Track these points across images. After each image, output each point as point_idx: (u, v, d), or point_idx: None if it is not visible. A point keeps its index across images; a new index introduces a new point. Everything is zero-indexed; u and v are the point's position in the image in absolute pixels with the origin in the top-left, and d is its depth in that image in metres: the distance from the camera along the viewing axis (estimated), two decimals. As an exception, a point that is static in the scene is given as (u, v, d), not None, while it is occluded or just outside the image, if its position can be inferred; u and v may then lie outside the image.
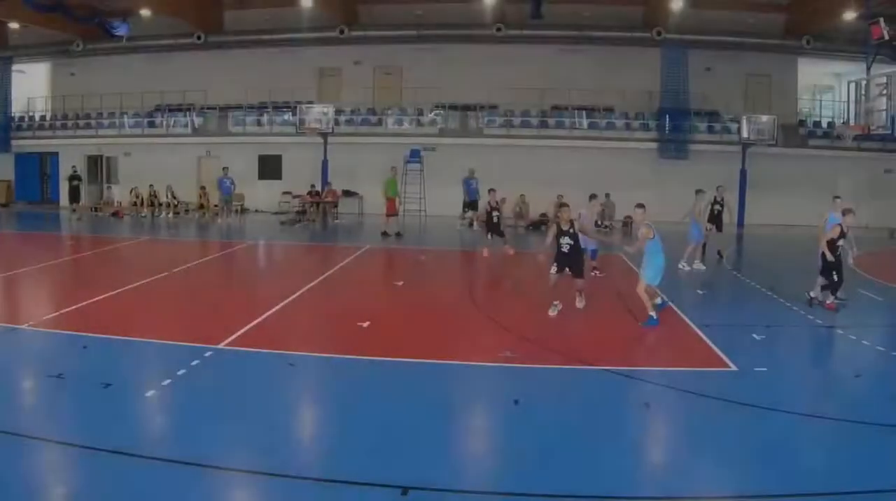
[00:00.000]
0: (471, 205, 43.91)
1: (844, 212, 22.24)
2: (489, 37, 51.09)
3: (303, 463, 11.25)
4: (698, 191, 29.59)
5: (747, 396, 14.40)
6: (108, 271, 28.49)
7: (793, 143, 51.06)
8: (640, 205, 20.43)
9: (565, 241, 20.54)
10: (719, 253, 32.64)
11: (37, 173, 58.61)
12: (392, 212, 40.74)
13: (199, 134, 53.13)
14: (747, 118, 49.01)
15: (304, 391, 15.16)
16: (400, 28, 52.17)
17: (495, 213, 31.46)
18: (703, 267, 29.38)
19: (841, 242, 21.59)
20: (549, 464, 11.20)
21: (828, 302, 21.78)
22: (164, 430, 12.66)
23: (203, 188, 49.77)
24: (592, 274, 25.00)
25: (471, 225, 43.22)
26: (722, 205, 31.68)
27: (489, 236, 31.78)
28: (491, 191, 31.61)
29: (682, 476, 11.29)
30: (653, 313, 19.75)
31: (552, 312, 20.49)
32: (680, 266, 28.72)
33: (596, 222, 40.50)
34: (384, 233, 39.34)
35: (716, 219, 31.28)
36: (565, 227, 20.44)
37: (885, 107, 36.12)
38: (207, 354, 16.24)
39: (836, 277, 21.80)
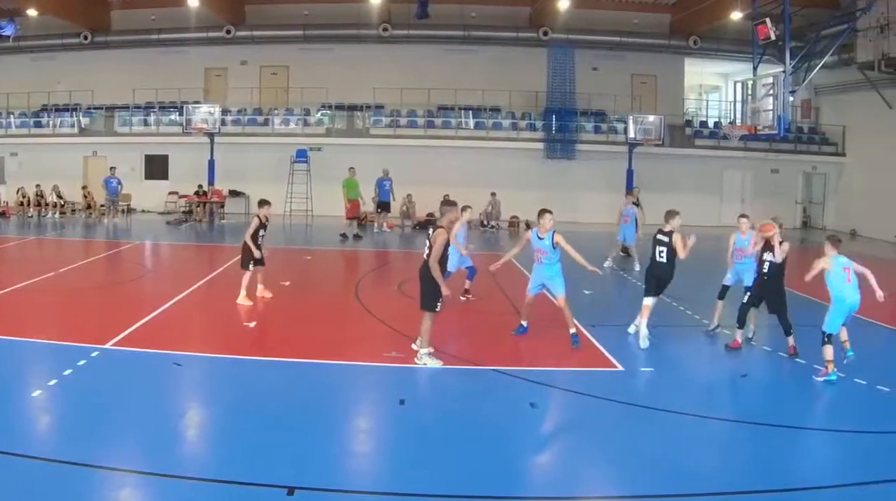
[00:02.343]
0: (383, 205, 41.05)
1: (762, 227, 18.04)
2: (376, 37, 48.62)
3: (188, 464, 10.51)
4: (629, 193, 28.20)
5: (633, 396, 13.97)
6: (-6, 271, 27.01)
7: (679, 143, 49.35)
8: (548, 211, 17.10)
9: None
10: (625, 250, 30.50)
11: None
12: (353, 215, 38.64)
13: (85, 134, 49.49)
14: (634, 118, 46.39)
15: (191, 391, 14.22)
16: (287, 28, 49.26)
17: None
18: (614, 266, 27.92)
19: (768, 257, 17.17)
20: (435, 464, 10.65)
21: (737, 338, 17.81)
22: (50, 430, 11.84)
23: (85, 188, 46.56)
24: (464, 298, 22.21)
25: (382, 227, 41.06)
26: (638, 206, 29.20)
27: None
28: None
29: (567, 476, 10.78)
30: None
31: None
32: (637, 268, 27.12)
33: (482, 222, 41.41)
34: (343, 236, 37.16)
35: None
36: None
37: (771, 108, 33.81)
38: (94, 354, 15.18)
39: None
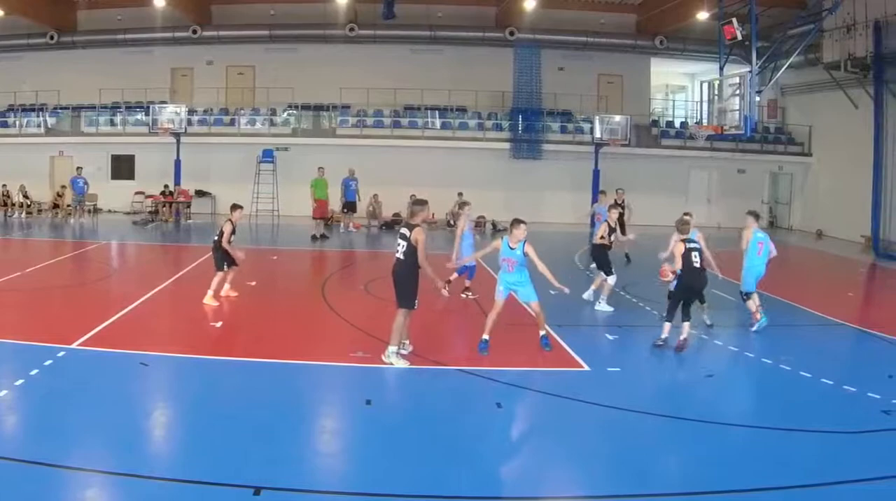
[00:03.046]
0: (349, 205, 39.41)
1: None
2: (342, 37, 46.66)
3: (155, 463, 10.17)
4: (602, 192, 27.37)
5: (600, 396, 13.40)
6: (-40, 271, 25.88)
7: (645, 143, 47.59)
8: (522, 221, 16.07)
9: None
10: (627, 256, 29.32)
11: None
12: (321, 215, 36.94)
13: (52, 134, 47.13)
14: (600, 118, 44.62)
15: (157, 391, 13.61)
16: (253, 28, 47.19)
17: None
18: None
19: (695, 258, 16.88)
20: (401, 464, 10.32)
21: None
22: (16, 430, 11.29)
23: (63, 187, 43.78)
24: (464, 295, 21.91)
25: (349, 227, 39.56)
26: (623, 208, 27.51)
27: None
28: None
29: (533, 476, 10.45)
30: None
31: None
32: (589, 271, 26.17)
33: (448, 222, 39.47)
34: (313, 237, 35.61)
35: (617, 221, 26.05)
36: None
37: (737, 107, 32.06)
38: (60, 354, 14.63)
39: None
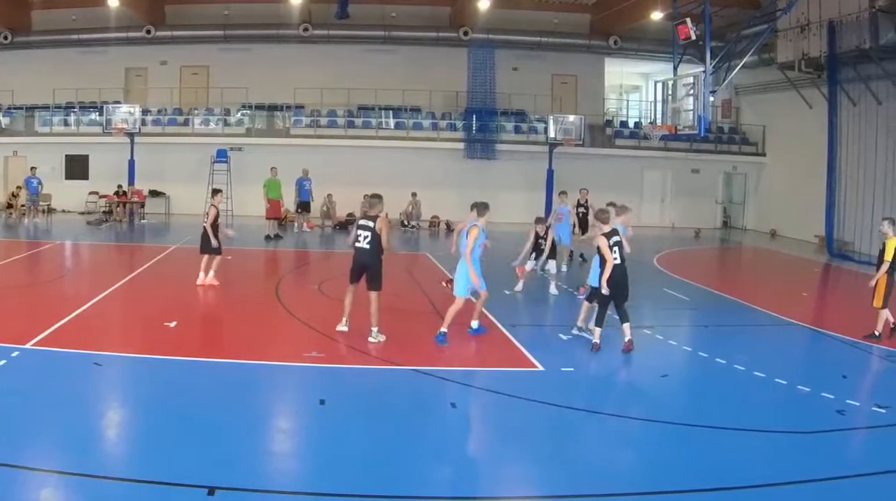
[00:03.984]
0: (303, 205, 37.34)
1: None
2: (296, 37, 44.17)
3: (109, 464, 9.73)
4: (562, 193, 26.20)
5: (554, 396, 12.89)
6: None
7: (599, 143, 45.68)
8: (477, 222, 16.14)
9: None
10: (582, 256, 28.33)
11: None
12: (274, 216, 35.02)
13: (5, 134, 44.22)
14: (554, 118, 42.47)
15: (111, 391, 13.01)
16: (207, 28, 44.37)
17: None
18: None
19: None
20: (355, 464, 9.98)
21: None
22: None
23: (18, 188, 41.21)
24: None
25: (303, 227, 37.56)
26: (587, 208, 27.84)
27: None
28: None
29: (487, 476, 10.13)
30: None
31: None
32: (564, 269, 24.76)
33: (402, 222, 38.72)
34: (267, 237, 34.00)
35: (580, 222, 27.47)
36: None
37: (691, 108, 30.40)
38: (14, 354, 13.92)
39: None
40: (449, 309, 16.10)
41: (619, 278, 15.65)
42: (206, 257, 21.37)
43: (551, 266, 21.98)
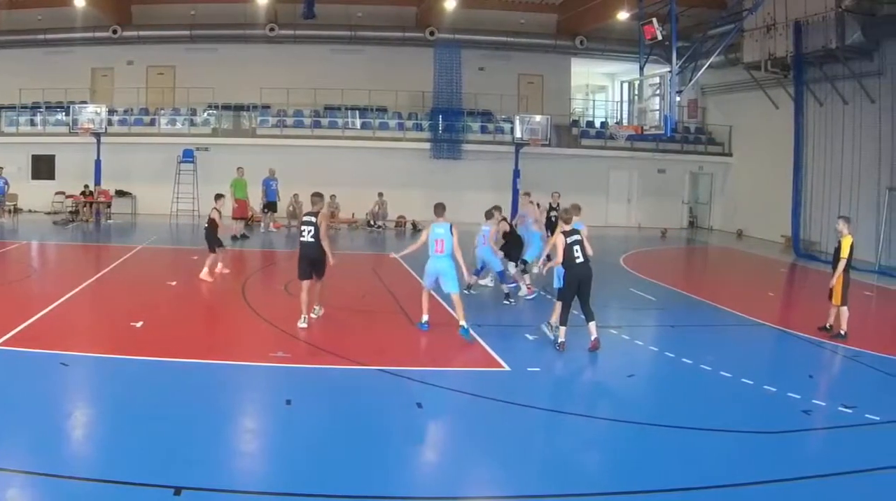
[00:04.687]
0: (269, 205, 36.09)
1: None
2: (262, 37, 42.50)
3: (75, 464, 9.41)
4: (525, 194, 25.67)
5: (520, 396, 12.58)
6: None
7: (566, 143, 44.31)
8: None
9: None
10: (548, 256, 25.25)
11: None
12: (240, 215, 33.65)
13: None
14: (520, 118, 41.16)
15: (77, 391, 12.55)
16: (173, 28, 42.53)
17: None
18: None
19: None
20: (321, 464, 9.74)
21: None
22: None
23: None
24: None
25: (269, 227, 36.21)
26: (557, 211, 25.33)
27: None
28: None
29: (454, 476, 9.87)
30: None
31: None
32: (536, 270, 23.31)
33: (369, 222, 38.40)
34: (233, 237, 32.24)
35: (553, 225, 25.36)
36: None
37: (658, 108, 29.20)
38: None
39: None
40: (455, 306, 16.21)
41: (582, 277, 15.29)
42: (212, 255, 22.38)
43: (511, 268, 21.65)
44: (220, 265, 22.79)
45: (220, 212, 22.84)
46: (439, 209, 16.57)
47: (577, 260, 15.21)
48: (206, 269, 22.13)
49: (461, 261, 16.36)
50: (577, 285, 15.23)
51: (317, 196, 17.09)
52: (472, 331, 15.98)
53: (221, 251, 22.71)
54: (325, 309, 17.47)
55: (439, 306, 17.61)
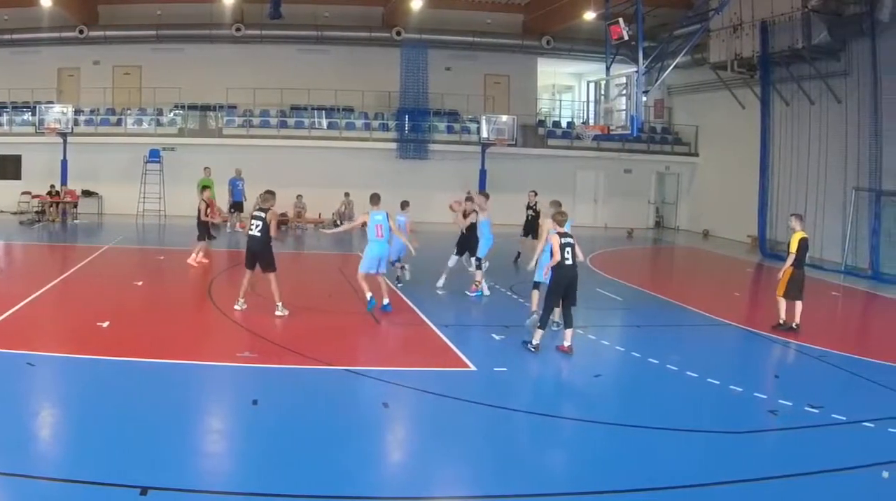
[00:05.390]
0: (236, 205, 34.96)
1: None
2: (228, 37, 40.88)
3: (41, 464, 9.14)
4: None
5: (486, 396, 12.29)
6: None
7: (532, 143, 42.90)
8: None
9: None
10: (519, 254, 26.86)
11: None
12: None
13: None
14: (487, 118, 40.11)
15: (43, 391, 12.10)
16: (139, 28, 40.89)
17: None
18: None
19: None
20: (288, 464, 9.43)
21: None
22: None
23: None
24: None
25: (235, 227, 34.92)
26: (535, 211, 26.05)
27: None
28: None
29: (420, 476, 9.66)
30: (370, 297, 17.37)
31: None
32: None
33: (335, 222, 37.06)
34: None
35: (529, 225, 26.12)
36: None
37: (624, 108, 28.17)
38: None
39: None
40: (382, 285, 17.65)
41: (571, 278, 14.81)
42: (200, 243, 23.89)
43: (453, 261, 21.64)
44: (200, 254, 23.69)
45: (206, 203, 23.57)
46: (375, 198, 17.55)
47: (567, 262, 14.75)
48: (193, 255, 23.51)
49: (406, 240, 18.02)
50: (564, 287, 14.76)
51: (268, 193, 17.43)
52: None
53: (205, 243, 23.76)
54: (292, 309, 17.20)
55: (406, 307, 18.15)
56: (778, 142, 33.63)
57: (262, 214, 16.96)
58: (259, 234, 16.85)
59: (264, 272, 16.97)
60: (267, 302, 17.74)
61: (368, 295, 17.24)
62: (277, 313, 16.77)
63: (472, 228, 20.66)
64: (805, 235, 17.38)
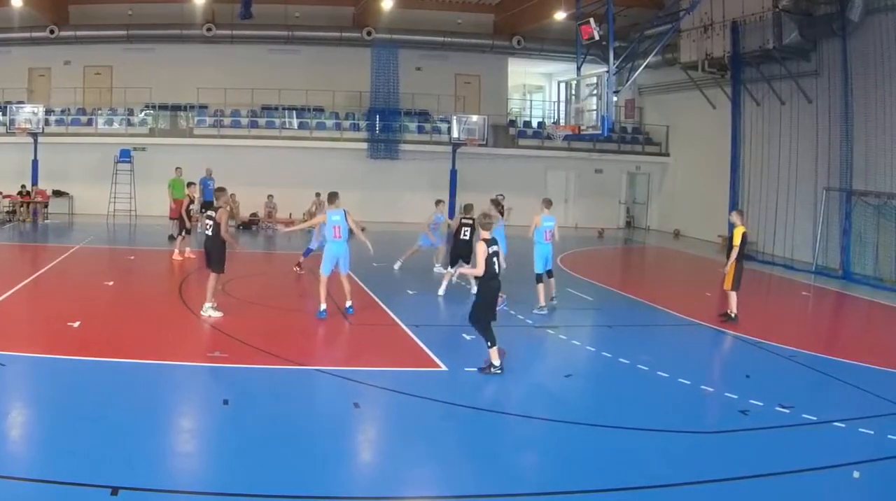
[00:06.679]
0: (207, 205, 30.61)
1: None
2: (199, 37, 39.02)
3: (11, 464, 8.80)
4: (438, 202, 24.82)
5: (457, 396, 12.06)
6: None
7: (503, 143, 41.53)
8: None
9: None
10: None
11: None
12: (177, 216, 30.60)
13: None
14: (457, 118, 38.70)
15: (13, 390, 11.77)
16: (110, 28, 39.07)
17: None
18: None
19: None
20: (258, 464, 9.14)
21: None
22: None
23: None
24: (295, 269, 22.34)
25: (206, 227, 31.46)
26: (502, 214, 23.29)
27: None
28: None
29: (391, 476, 9.39)
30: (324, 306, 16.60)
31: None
32: (435, 269, 23.78)
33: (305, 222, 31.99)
34: (170, 237, 31.08)
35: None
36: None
37: (595, 108, 27.47)
38: None
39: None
40: (345, 286, 16.90)
41: (497, 291, 13.79)
42: (180, 238, 24.28)
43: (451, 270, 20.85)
44: (187, 249, 24.15)
45: (192, 198, 23.85)
46: (333, 197, 16.77)
47: (497, 273, 13.62)
48: (176, 250, 23.90)
49: (364, 239, 17.01)
50: (494, 300, 13.60)
51: (219, 191, 16.77)
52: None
53: (184, 237, 24.06)
54: (262, 309, 17.23)
55: (376, 306, 17.99)
56: (749, 142, 32.61)
57: (213, 213, 16.33)
58: (210, 233, 16.30)
59: (207, 267, 16.44)
60: (239, 302, 17.60)
61: (323, 306, 16.46)
62: (202, 313, 16.09)
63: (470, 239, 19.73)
64: (745, 229, 17.57)
